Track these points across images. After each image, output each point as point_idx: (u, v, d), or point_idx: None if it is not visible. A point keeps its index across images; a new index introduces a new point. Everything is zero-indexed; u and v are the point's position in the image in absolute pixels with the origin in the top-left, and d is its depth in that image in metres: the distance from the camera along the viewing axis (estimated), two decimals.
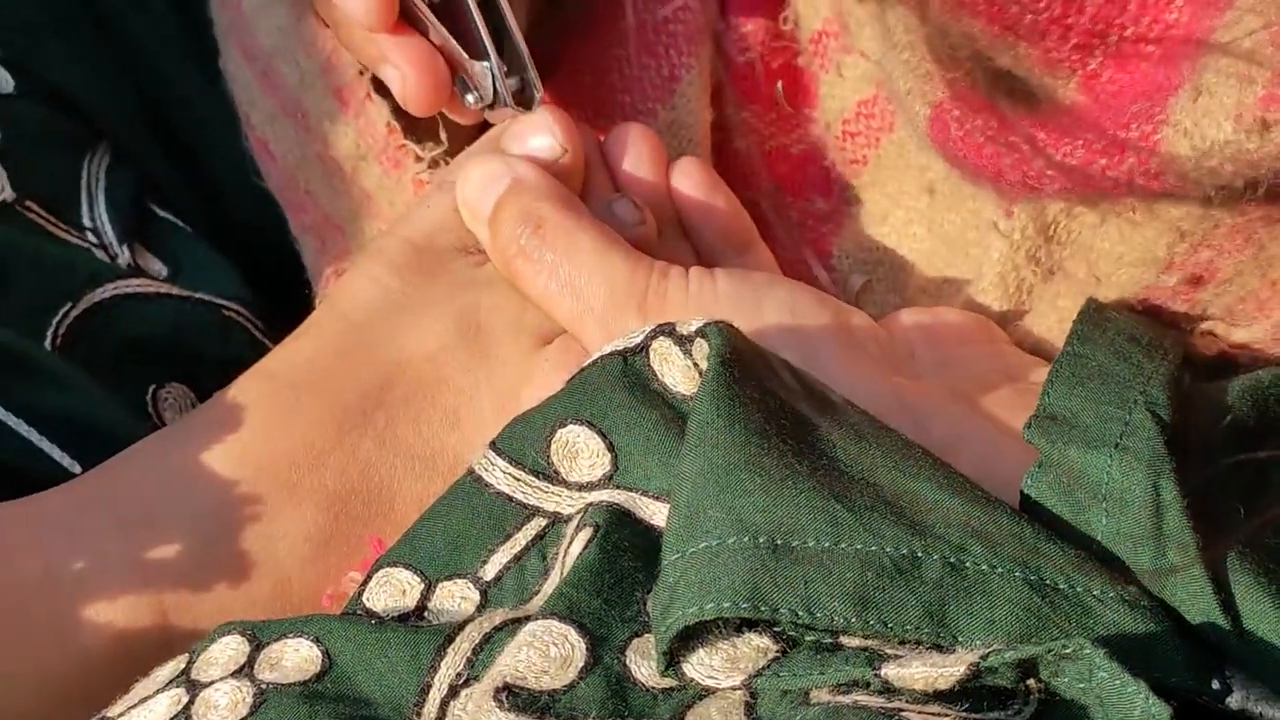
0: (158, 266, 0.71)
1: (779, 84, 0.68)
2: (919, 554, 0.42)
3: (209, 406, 0.59)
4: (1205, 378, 0.52)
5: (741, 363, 0.47)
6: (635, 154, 0.64)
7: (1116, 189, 0.53)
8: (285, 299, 0.70)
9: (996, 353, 0.59)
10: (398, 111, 0.67)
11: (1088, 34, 0.52)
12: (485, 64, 0.61)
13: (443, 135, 0.68)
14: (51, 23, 0.72)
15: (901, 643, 0.41)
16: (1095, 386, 0.49)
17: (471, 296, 0.60)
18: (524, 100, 0.62)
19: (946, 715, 0.38)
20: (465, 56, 0.61)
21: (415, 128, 0.67)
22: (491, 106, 0.63)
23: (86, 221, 0.70)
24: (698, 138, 0.68)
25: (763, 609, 0.41)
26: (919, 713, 0.38)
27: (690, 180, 0.64)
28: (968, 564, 0.42)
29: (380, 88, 0.67)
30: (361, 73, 0.67)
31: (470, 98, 0.62)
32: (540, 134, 0.62)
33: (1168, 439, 0.46)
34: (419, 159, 0.67)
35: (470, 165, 0.61)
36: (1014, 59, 0.54)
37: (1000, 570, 0.42)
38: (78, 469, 0.60)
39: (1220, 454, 0.46)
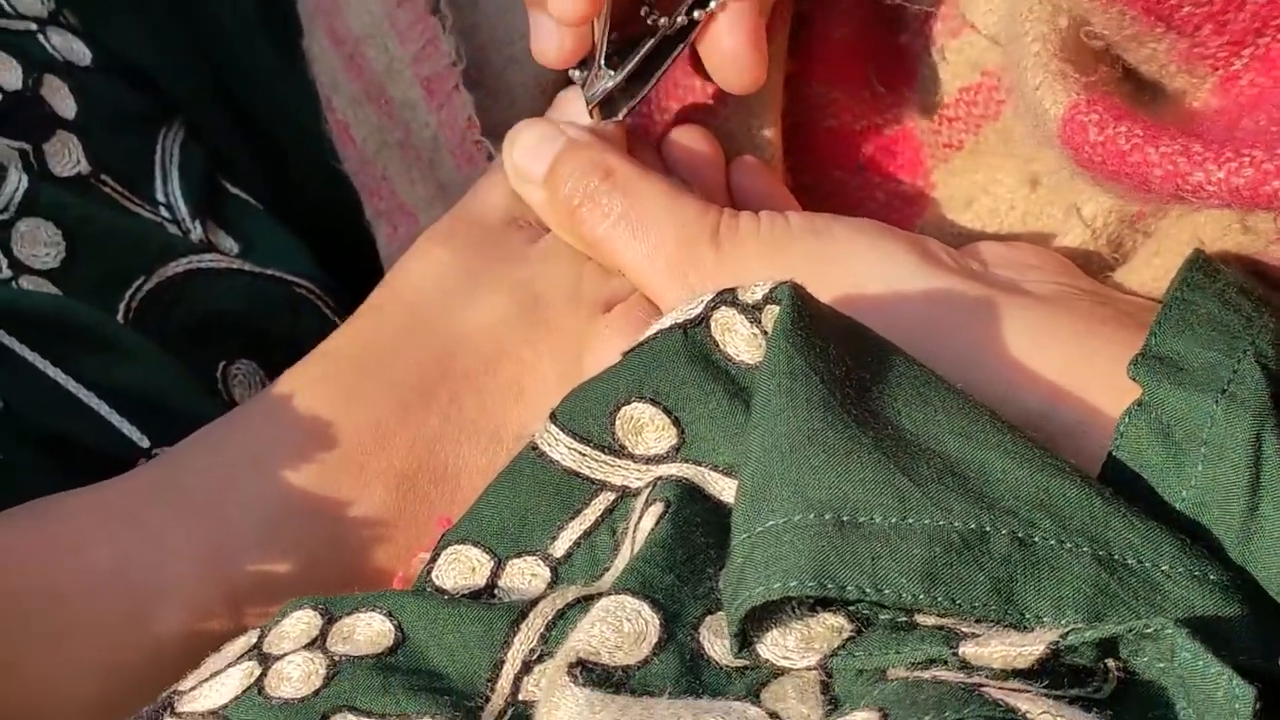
0: (229, 243, 0.72)
1: (871, 67, 0.69)
2: (987, 528, 0.42)
3: (272, 390, 0.61)
4: None
5: (807, 329, 0.47)
6: (693, 152, 0.66)
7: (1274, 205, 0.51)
8: (358, 280, 0.71)
9: (1075, 276, 0.60)
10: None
11: (1244, 30, 0.51)
12: (612, 75, 0.64)
13: None
14: None
15: (978, 621, 0.42)
16: (1204, 332, 0.49)
17: (526, 270, 0.62)
18: (609, 109, 0.65)
19: (1026, 691, 0.38)
20: (602, 56, 0.64)
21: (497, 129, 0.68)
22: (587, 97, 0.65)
23: (160, 196, 0.71)
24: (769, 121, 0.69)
25: (829, 587, 0.42)
26: (998, 688, 0.38)
27: (749, 178, 0.66)
28: (1036, 539, 0.42)
29: (469, 82, 0.69)
30: (455, 64, 0.69)
31: (577, 74, 0.65)
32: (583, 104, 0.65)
33: (1274, 393, 0.46)
34: (491, 158, 0.68)
35: (518, 130, 0.64)
36: (1150, 55, 0.53)
37: (1069, 545, 0.42)
38: (147, 444, 0.62)
39: None
